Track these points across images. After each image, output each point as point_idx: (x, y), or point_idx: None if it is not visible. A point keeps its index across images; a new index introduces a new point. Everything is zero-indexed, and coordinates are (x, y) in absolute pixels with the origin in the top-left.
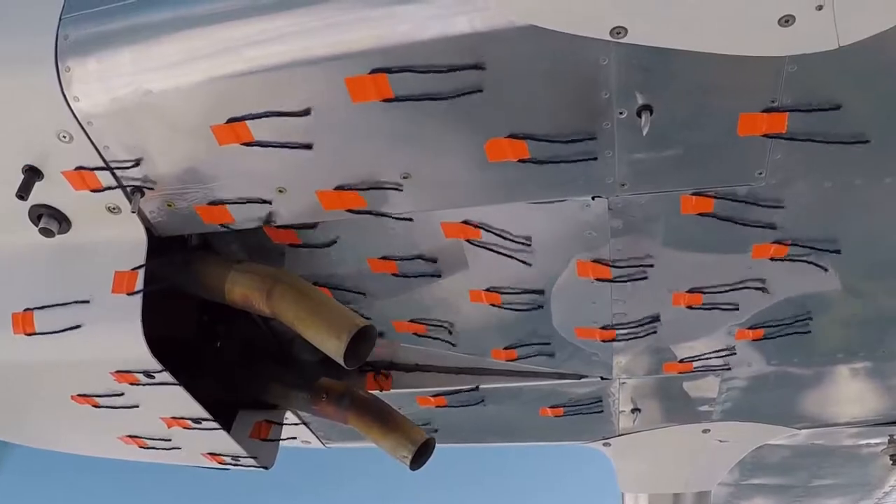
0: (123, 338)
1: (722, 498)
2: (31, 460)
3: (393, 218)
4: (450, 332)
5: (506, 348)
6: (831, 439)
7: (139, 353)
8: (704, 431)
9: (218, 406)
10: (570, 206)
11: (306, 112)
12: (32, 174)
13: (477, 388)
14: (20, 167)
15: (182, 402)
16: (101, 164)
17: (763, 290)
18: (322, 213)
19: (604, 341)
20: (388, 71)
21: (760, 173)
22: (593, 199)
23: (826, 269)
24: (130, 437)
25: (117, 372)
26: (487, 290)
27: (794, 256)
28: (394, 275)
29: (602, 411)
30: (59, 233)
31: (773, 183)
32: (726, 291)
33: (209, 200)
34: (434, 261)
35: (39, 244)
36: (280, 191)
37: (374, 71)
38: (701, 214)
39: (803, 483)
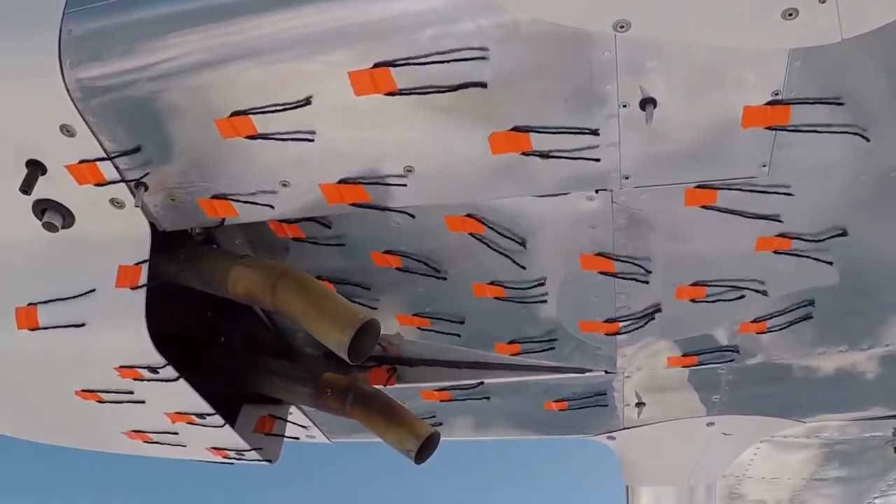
0: (127, 333)
1: (724, 490)
2: None
3: (396, 212)
4: (454, 327)
5: (510, 342)
6: (834, 432)
7: (143, 348)
8: (709, 425)
9: (222, 401)
10: (574, 200)
11: (309, 106)
12: (36, 168)
13: (482, 383)
14: (23, 161)
15: (186, 396)
16: (105, 157)
17: (766, 283)
18: (326, 206)
19: (608, 335)
20: (392, 64)
21: (764, 166)
22: (597, 192)
23: (830, 262)
24: (135, 431)
25: (121, 367)
26: (491, 283)
27: (797, 249)
28: (397, 269)
29: (606, 405)
30: (63, 227)
31: (777, 176)
32: (730, 285)
33: (213, 194)
34: (437, 255)
35: (43, 239)
36: (284, 184)
37: (377, 65)
38: (704, 207)
39: (806, 475)
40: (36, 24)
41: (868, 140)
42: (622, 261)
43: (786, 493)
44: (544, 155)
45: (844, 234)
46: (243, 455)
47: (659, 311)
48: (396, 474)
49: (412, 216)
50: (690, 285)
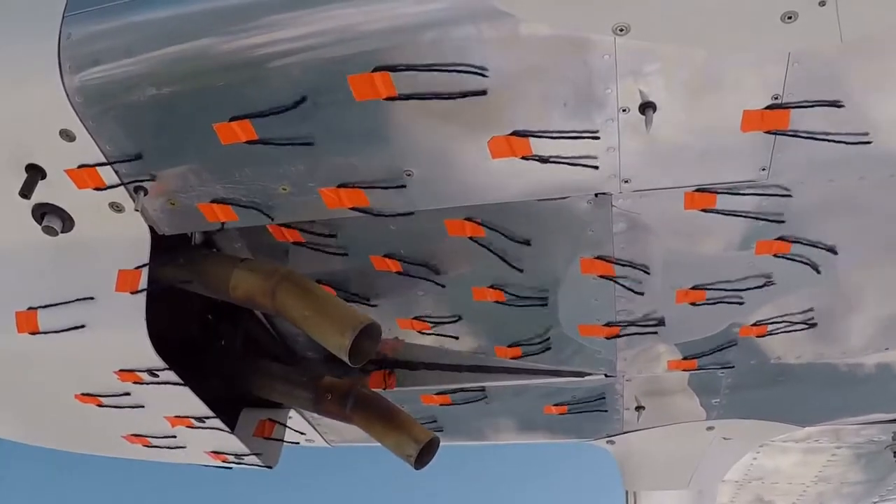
0: (127, 336)
1: (724, 495)
2: None
3: (396, 216)
4: (454, 330)
5: (510, 346)
6: (835, 436)
7: (143, 352)
8: (708, 429)
9: (222, 404)
10: (574, 203)
11: (309, 110)
12: (35, 173)
13: (482, 387)
14: (23, 166)
15: (186, 400)
16: (104, 162)
17: (766, 286)
18: (325, 211)
19: (607, 339)
20: (392, 69)
21: (764, 170)
22: (596, 195)
23: (830, 266)
24: (135, 435)
25: (121, 371)
26: (491, 287)
27: (797, 253)
28: (397, 273)
29: (606, 409)
30: (63, 231)
31: (777, 179)
32: (730, 288)
33: (212, 198)
34: (437, 258)
35: (43, 243)
36: (283, 189)
37: (377, 69)
38: (704, 210)
39: (807, 479)
40: (35, 27)
41: (868, 143)
42: (622, 264)
43: (787, 498)
44: (544, 159)
45: (843, 242)
46: (242, 459)
47: (659, 315)
48: (396, 479)
49: (412, 214)
50: (690, 289)
